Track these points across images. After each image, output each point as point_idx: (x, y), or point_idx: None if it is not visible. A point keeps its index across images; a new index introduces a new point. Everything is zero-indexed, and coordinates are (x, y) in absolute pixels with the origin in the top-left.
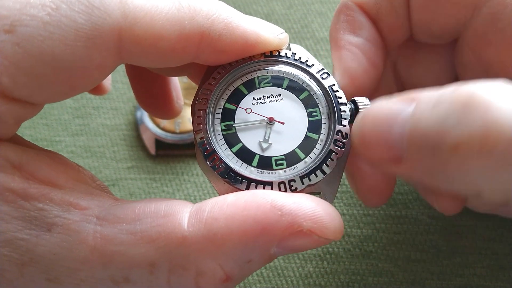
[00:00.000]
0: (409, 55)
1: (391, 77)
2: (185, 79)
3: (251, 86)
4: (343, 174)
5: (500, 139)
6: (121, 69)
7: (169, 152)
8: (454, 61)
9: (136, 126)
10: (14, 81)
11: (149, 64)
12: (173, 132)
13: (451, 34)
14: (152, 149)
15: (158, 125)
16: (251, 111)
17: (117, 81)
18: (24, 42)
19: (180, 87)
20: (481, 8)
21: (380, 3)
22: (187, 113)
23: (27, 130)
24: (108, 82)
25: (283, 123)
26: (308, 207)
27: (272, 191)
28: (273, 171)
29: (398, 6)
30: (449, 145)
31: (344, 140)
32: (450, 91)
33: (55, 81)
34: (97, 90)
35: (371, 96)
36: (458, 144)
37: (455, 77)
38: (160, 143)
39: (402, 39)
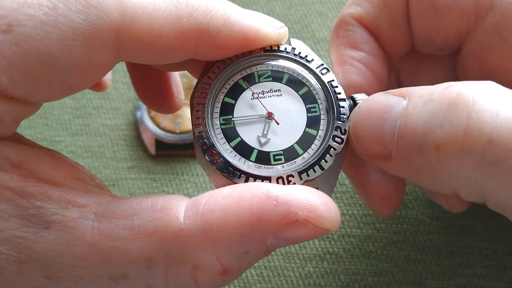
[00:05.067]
0: (412, 66)
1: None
2: (185, 79)
3: (250, 80)
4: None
5: (479, 140)
6: (121, 69)
7: (169, 152)
8: (456, 71)
9: (136, 126)
10: (12, 80)
11: (147, 61)
12: (173, 132)
13: (453, 45)
14: (152, 149)
15: (158, 125)
16: (257, 97)
17: (117, 81)
18: (21, 42)
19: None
20: (483, 18)
21: (380, 17)
22: (187, 113)
23: (27, 130)
24: (108, 78)
25: (278, 123)
26: (304, 197)
27: (267, 183)
28: (271, 166)
29: (398, 20)
30: (433, 144)
31: (342, 136)
32: (441, 89)
33: (53, 80)
34: (97, 86)
35: None
36: (440, 143)
37: None
38: (160, 143)
39: (403, 51)
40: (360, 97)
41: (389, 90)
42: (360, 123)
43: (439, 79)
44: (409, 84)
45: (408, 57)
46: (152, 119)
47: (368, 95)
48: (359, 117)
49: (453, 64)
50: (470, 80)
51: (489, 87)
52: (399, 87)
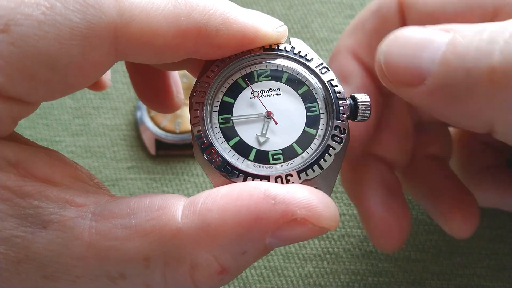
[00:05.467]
0: None
1: (404, 109)
2: (185, 79)
3: (249, 79)
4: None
5: None
6: (121, 69)
7: (169, 152)
8: None
9: (136, 126)
10: (10, 80)
11: (146, 61)
12: (173, 132)
13: None
14: (152, 149)
15: (158, 125)
16: (257, 95)
17: (117, 81)
18: (19, 42)
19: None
20: (497, 16)
21: (375, 48)
22: (187, 113)
23: (27, 130)
24: (107, 77)
25: (277, 123)
26: (302, 196)
27: (265, 182)
28: (270, 166)
29: None
30: (487, 68)
31: (342, 136)
32: (492, 24)
33: (51, 80)
34: (97, 86)
35: (367, 145)
36: (496, 66)
37: None
38: (160, 143)
39: None
40: (360, 96)
41: (427, 25)
42: (394, 52)
43: None
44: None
45: None
46: (152, 119)
47: (358, 139)
48: (393, 46)
49: None
50: None
51: None
52: (409, 107)
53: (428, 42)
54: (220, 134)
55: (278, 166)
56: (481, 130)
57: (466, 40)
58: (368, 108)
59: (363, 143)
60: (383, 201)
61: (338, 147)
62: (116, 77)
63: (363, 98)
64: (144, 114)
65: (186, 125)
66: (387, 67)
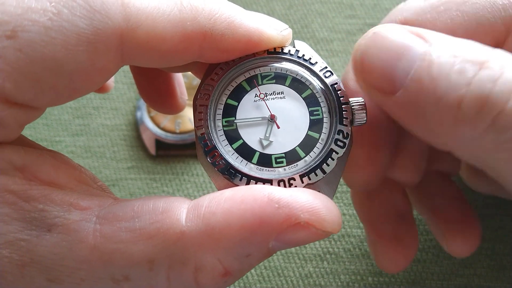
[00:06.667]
0: None
1: None
2: (185, 78)
3: (253, 82)
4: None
5: (496, 106)
6: (122, 69)
7: (169, 152)
8: None
9: (136, 126)
10: (16, 86)
11: (151, 65)
12: (173, 132)
13: None
14: (152, 149)
15: (158, 125)
16: (263, 97)
17: (117, 81)
18: (26, 48)
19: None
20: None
21: None
22: (187, 113)
23: (27, 130)
24: (110, 80)
25: (279, 127)
26: (305, 200)
27: (269, 185)
28: (273, 169)
29: None
30: (455, 99)
31: (345, 140)
32: (469, 47)
33: (57, 85)
34: (100, 88)
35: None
36: (464, 100)
37: None
38: (160, 143)
39: None
40: (354, 100)
41: (406, 26)
42: (371, 53)
43: None
44: None
45: None
46: (152, 119)
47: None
48: (371, 46)
49: None
50: None
51: None
52: None
53: (405, 49)
54: (223, 137)
55: (281, 169)
56: (441, 148)
57: (440, 61)
58: (363, 110)
59: (382, 177)
60: (394, 227)
61: (341, 152)
62: (116, 77)
63: (359, 101)
64: (144, 114)
65: (186, 125)
66: (363, 67)
